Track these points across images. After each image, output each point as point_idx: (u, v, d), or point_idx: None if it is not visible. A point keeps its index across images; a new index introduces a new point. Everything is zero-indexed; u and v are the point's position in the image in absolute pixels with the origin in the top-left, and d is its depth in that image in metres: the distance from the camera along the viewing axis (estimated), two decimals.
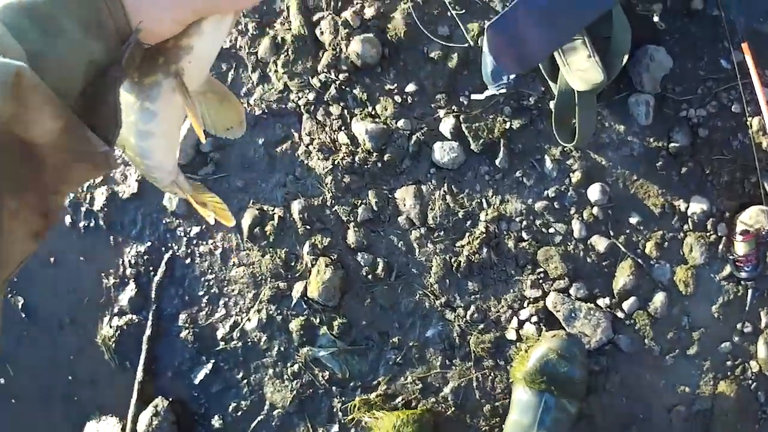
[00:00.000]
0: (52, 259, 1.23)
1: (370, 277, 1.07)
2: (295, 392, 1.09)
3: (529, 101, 1.03)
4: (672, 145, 1.00)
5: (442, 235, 1.05)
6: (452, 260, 1.04)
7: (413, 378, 1.05)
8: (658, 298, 0.99)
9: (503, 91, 0.95)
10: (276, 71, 1.16)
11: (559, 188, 1.02)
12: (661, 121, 1.01)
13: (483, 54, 0.90)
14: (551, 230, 1.02)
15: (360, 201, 1.09)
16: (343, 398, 1.07)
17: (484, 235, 1.03)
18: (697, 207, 0.99)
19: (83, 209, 1.22)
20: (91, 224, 1.22)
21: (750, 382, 0.99)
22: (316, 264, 1.08)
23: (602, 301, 1.00)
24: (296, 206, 1.11)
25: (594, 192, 1.01)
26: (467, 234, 1.04)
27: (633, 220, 1.00)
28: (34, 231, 0.36)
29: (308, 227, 1.10)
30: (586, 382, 0.97)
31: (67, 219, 1.23)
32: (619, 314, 0.99)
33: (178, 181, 0.57)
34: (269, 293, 1.11)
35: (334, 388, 1.08)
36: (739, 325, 0.99)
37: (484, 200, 1.05)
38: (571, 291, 1.00)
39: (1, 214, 0.33)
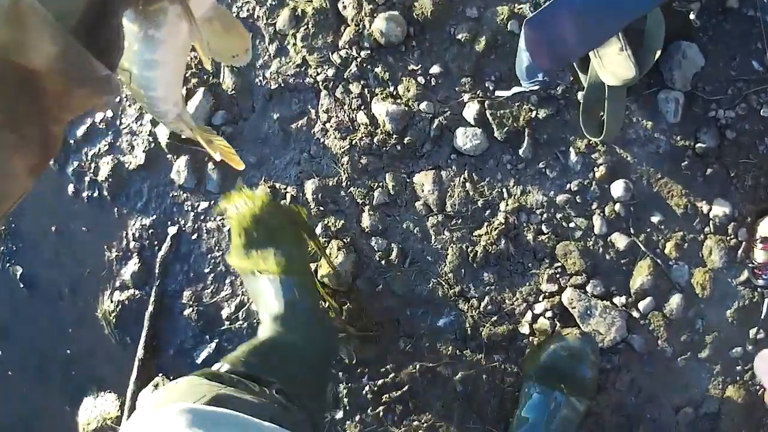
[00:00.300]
0: (53, 228, 1.19)
1: (383, 262, 1.04)
2: None
3: (557, 91, 1.01)
4: (699, 145, 0.98)
5: (459, 223, 1.03)
6: (469, 249, 1.02)
7: (422, 367, 1.03)
8: (675, 300, 0.98)
9: (535, 88, 0.92)
10: (294, 44, 1.12)
11: (582, 182, 1.00)
12: (690, 120, 0.99)
13: (519, 49, 0.87)
14: (572, 225, 1.00)
15: (376, 184, 1.06)
16: (350, 384, 1.05)
17: (503, 226, 1.01)
18: (719, 210, 0.98)
19: (87, 179, 1.18)
20: (95, 194, 1.18)
21: (758, 387, 0.99)
22: (328, 246, 1.05)
23: (618, 300, 0.98)
24: (310, 186, 1.08)
25: (617, 188, 0.99)
26: (486, 224, 1.02)
27: (654, 219, 0.99)
28: (33, 164, 0.35)
29: (321, 208, 1.07)
30: (597, 381, 0.96)
31: (70, 188, 1.19)
32: (635, 314, 0.98)
33: (183, 116, 0.56)
34: None
35: (340, 373, 1.06)
36: (752, 332, 0.98)
37: (504, 190, 1.02)
38: (588, 288, 0.99)
39: None
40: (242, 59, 0.56)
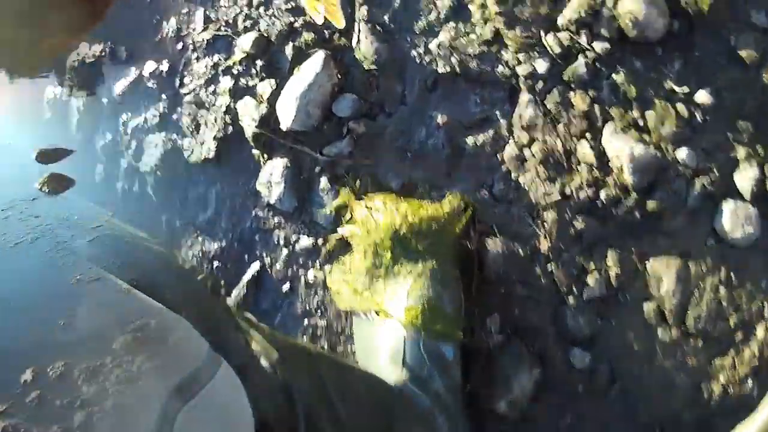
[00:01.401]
0: None
1: (580, 386, 0.71)
2: None
3: None
4: None
5: (700, 345, 0.71)
6: (703, 386, 0.71)
7: None
8: None
9: None
10: (483, 6, 0.72)
11: None
12: None
13: None
14: None
15: (593, 264, 0.71)
16: None
17: (755, 361, 0.70)
18: None
19: (123, 163, 0.74)
20: (134, 188, 0.74)
21: None
22: (506, 346, 0.71)
23: None
24: (488, 245, 0.71)
25: None
26: (732, 352, 0.71)
27: None
28: None
29: (503, 288, 0.71)
30: None
31: (99, 170, 0.74)
32: None
33: None
34: None
35: None
36: None
37: (766, 305, 0.71)
38: None
39: None
40: None
